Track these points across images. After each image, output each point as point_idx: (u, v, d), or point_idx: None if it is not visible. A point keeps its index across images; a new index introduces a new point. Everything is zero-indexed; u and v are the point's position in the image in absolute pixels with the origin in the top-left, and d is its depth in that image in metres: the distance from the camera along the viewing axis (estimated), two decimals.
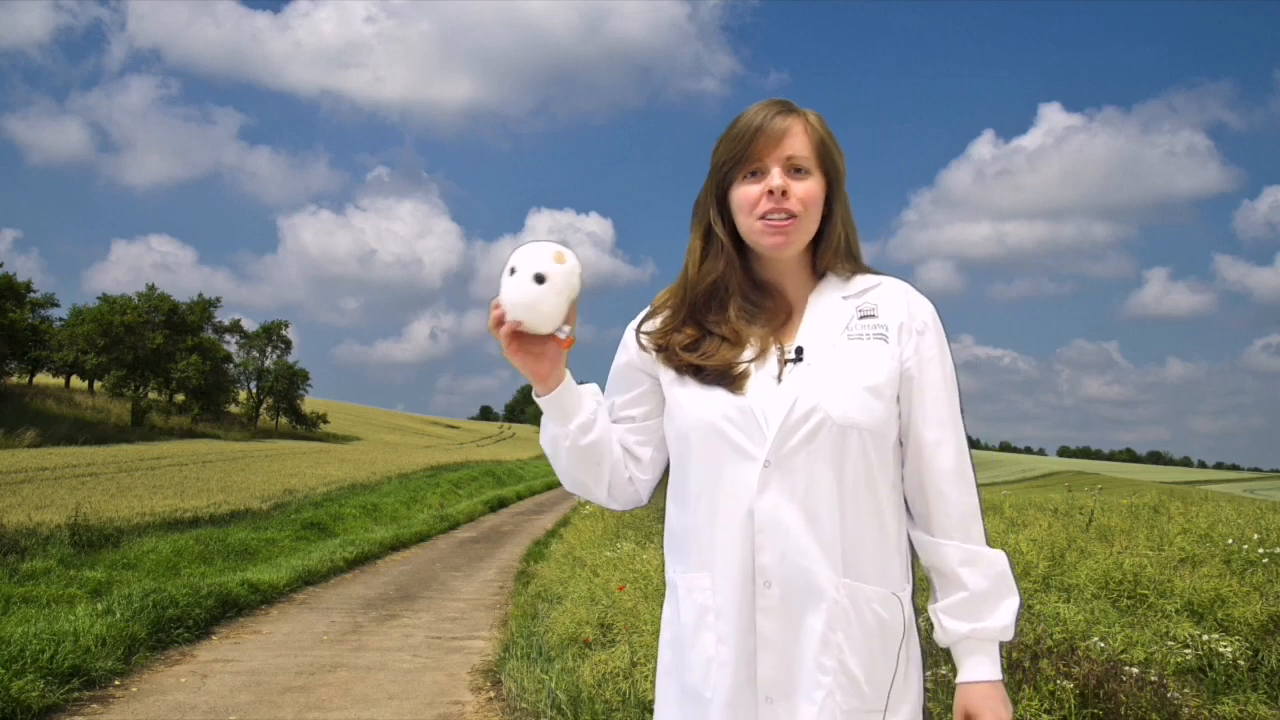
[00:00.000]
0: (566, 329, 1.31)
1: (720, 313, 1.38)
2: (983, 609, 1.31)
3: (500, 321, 1.29)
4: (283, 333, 53.83)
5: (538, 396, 1.36)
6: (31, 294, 38.82)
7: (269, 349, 53.07)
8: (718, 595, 1.31)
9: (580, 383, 1.39)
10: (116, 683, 4.99)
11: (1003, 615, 1.31)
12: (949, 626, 1.32)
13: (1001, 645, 1.33)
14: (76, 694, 4.68)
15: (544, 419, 1.39)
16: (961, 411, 1.36)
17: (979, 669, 1.31)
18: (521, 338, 1.31)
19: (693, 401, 1.34)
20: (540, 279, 1.26)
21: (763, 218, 1.33)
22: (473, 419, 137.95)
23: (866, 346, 1.33)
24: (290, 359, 53.59)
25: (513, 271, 1.28)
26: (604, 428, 1.39)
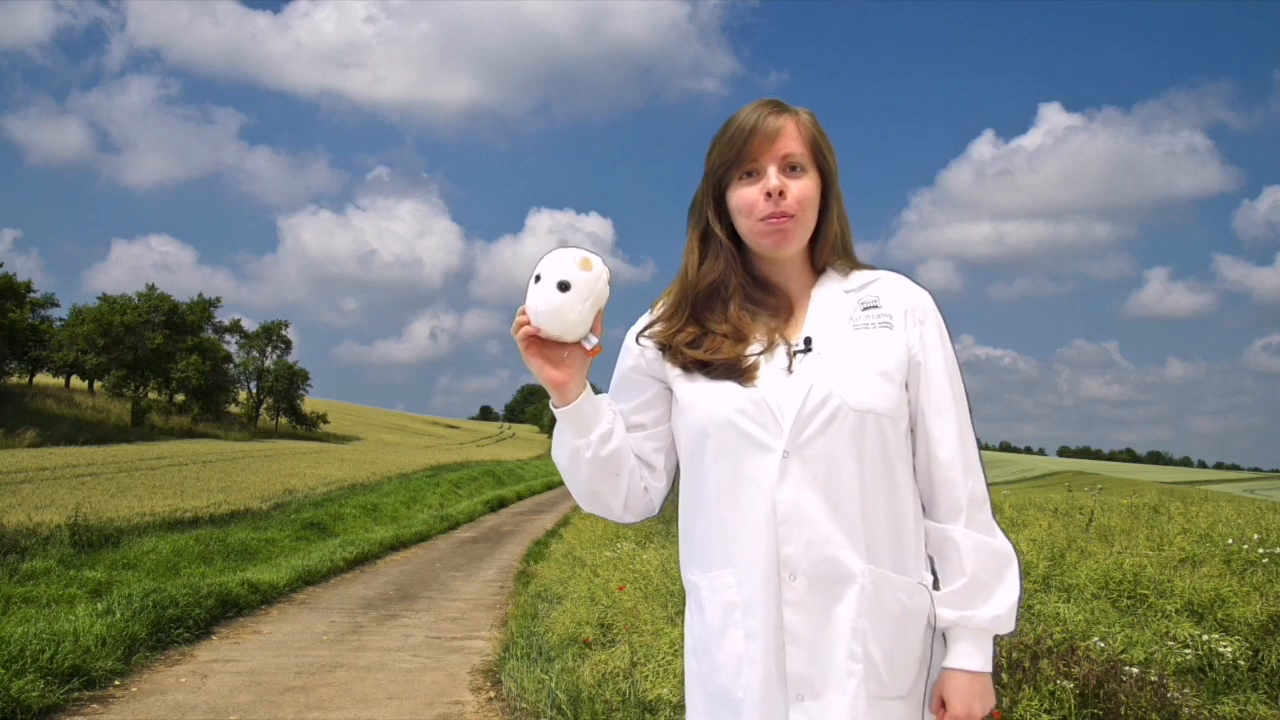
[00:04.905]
0: (594, 339, 1.29)
1: (721, 312, 1.38)
2: (978, 597, 1.30)
3: (522, 326, 1.29)
4: (283, 333, 53.83)
5: (555, 408, 1.33)
6: (31, 294, 38.84)
7: (269, 349, 53.05)
8: (744, 591, 1.29)
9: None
10: (116, 683, 4.99)
11: (996, 605, 1.29)
12: (942, 612, 1.31)
13: (996, 638, 1.32)
14: (76, 694, 4.68)
15: (558, 432, 1.36)
16: (968, 401, 1.37)
17: (961, 657, 1.30)
18: (541, 343, 1.30)
19: (704, 397, 1.33)
20: (564, 286, 1.24)
21: (763, 219, 1.33)
22: (473, 419, 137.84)
23: (874, 335, 1.33)
24: (290, 359, 53.64)
25: (537, 279, 1.26)
26: (622, 436, 1.37)
